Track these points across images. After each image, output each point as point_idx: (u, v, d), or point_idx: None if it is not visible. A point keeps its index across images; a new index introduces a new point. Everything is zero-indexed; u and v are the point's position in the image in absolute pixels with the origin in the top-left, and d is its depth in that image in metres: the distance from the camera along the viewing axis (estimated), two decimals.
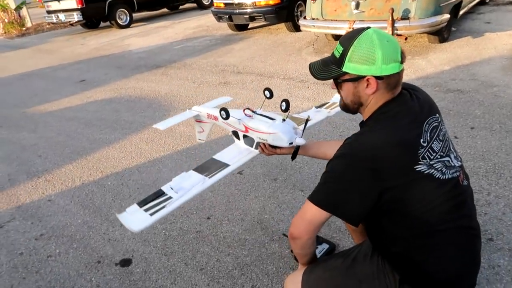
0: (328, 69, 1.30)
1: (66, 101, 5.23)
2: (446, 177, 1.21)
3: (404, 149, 1.18)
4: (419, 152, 1.18)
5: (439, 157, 1.21)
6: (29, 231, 2.58)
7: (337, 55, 1.26)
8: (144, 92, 5.14)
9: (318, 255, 1.90)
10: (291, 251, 2.01)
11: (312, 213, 1.23)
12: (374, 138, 1.20)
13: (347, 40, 1.24)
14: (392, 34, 4.72)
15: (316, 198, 1.23)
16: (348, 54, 1.22)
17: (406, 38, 5.47)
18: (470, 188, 1.34)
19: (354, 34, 1.23)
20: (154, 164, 3.26)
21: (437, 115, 1.29)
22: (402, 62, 1.22)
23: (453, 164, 1.24)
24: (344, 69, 1.25)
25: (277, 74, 5.02)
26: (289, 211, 2.39)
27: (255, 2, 6.90)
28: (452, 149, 1.29)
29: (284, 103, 1.68)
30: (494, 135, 2.89)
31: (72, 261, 2.27)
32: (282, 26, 7.51)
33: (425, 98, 1.32)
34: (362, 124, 1.36)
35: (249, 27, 8.18)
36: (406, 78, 4.21)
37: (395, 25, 4.68)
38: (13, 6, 12.76)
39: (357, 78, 1.24)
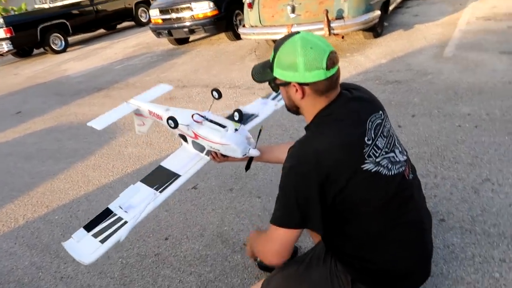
0: (264, 72, 1.31)
1: (2, 136, 4.88)
2: (392, 173, 1.22)
3: (349, 150, 1.18)
4: (364, 151, 1.18)
5: (384, 153, 1.22)
6: None
7: (270, 59, 1.28)
8: (86, 117, 4.90)
9: None
10: (255, 259, 1.97)
11: (281, 236, 1.21)
12: (317, 143, 1.19)
13: (277, 46, 1.25)
14: (329, 34, 4.86)
15: (280, 220, 1.21)
16: (275, 60, 1.24)
17: (343, 37, 5.66)
18: (417, 180, 1.37)
19: (283, 40, 1.24)
20: (103, 190, 3.10)
21: (380, 112, 1.29)
22: (329, 68, 1.17)
23: (398, 159, 1.26)
24: (274, 74, 1.26)
25: (223, 84, 5.00)
26: (248, 220, 2.35)
27: (193, 15, 6.86)
28: (397, 144, 1.30)
29: (237, 113, 1.63)
30: (434, 120, 3.04)
31: None
32: (223, 35, 7.51)
33: (366, 96, 1.33)
34: (306, 127, 1.34)
35: (190, 40, 8.11)
36: (347, 74, 4.36)
37: (331, 25, 4.83)
38: None
39: (285, 84, 1.24)
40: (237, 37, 6.89)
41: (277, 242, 1.23)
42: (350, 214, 1.20)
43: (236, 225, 2.33)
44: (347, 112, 1.24)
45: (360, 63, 4.66)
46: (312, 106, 1.25)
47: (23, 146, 4.39)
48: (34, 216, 2.93)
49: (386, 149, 1.23)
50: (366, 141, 1.19)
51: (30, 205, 3.11)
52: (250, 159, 1.62)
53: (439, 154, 2.59)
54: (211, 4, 6.70)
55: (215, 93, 1.71)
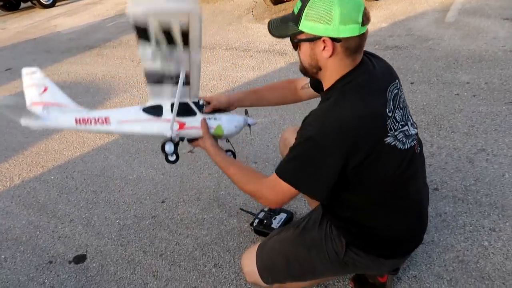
0: (286, 27, 1.20)
1: None
2: (406, 147, 1.21)
3: (374, 121, 1.14)
4: (387, 123, 1.15)
5: (400, 126, 1.19)
6: None
7: (296, 11, 1.16)
8: (79, 76, 4.81)
9: (277, 225, 1.92)
10: (251, 224, 2.00)
11: (285, 190, 1.20)
12: (339, 113, 1.12)
13: None
14: None
15: (289, 178, 1.18)
16: (305, 10, 1.11)
17: None
18: (423, 155, 1.36)
19: None
20: (99, 152, 3.09)
21: (397, 81, 1.25)
22: (364, 24, 1.10)
23: (410, 133, 1.24)
24: (300, 28, 1.14)
25: (219, 45, 4.88)
26: (272, 166, 2.36)
27: None
28: (409, 117, 1.27)
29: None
30: (433, 88, 3.01)
31: (20, 265, 2.12)
32: None
33: (384, 64, 1.29)
34: (322, 92, 1.26)
35: None
36: None
37: None
38: None
39: (314, 39, 1.13)
40: None
41: (279, 193, 1.22)
42: (359, 185, 1.20)
43: (233, 190, 2.35)
44: (370, 79, 1.18)
45: None
46: (337, 68, 1.16)
47: (14, 105, 4.31)
48: (30, 176, 2.93)
49: (402, 122, 1.21)
50: (388, 113, 1.16)
51: (25, 164, 3.10)
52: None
53: (436, 123, 2.59)
54: None
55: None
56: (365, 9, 1.11)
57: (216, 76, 4.01)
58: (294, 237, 1.41)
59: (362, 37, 1.13)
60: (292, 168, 1.18)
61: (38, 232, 2.34)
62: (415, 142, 1.27)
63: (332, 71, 1.18)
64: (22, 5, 10.87)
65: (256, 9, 6.08)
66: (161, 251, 2.03)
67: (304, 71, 1.26)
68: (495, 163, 2.15)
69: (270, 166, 2.44)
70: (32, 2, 10.09)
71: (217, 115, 1.52)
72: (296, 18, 1.15)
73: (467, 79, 3.04)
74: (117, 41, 5.95)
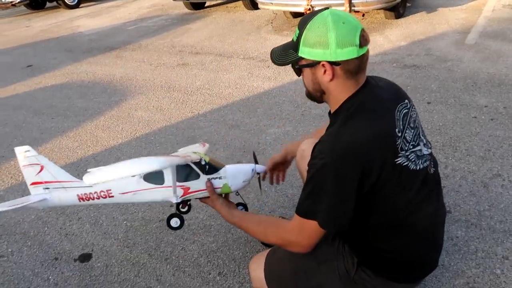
0: (286, 54, 1.23)
1: (12, 88, 4.88)
2: (418, 168, 1.19)
3: (383, 142, 1.13)
4: (397, 143, 1.14)
5: (411, 147, 1.18)
6: None
7: (294, 39, 1.19)
8: (97, 76, 4.88)
9: None
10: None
11: (311, 227, 1.17)
12: (349, 137, 1.12)
13: (302, 23, 1.16)
14: (350, 10, 4.71)
15: (317, 218, 1.14)
16: (302, 37, 1.15)
17: (363, 15, 5.49)
18: (438, 175, 1.34)
19: (310, 16, 1.16)
20: (111, 152, 3.11)
21: (406, 101, 1.24)
22: (362, 45, 1.11)
23: (423, 153, 1.22)
24: (299, 54, 1.18)
25: (237, 54, 4.91)
26: (254, 194, 2.35)
27: None
28: (421, 137, 1.26)
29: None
30: (450, 109, 2.98)
31: (26, 260, 2.14)
32: (239, 3, 7.33)
33: (391, 85, 1.29)
34: (330, 114, 1.27)
35: (205, 5, 7.93)
36: None
37: (352, 1, 4.68)
38: None
39: (313, 64, 1.16)
40: (255, 6, 6.72)
41: (306, 235, 1.19)
42: (372, 207, 1.18)
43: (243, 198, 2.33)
44: (376, 100, 1.18)
45: (378, 44, 4.55)
46: (340, 91, 1.18)
47: (33, 101, 4.39)
48: None
49: (413, 142, 1.19)
50: (397, 133, 1.15)
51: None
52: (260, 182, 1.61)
53: (451, 145, 2.55)
54: None
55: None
56: (362, 30, 1.12)
57: (232, 84, 4.03)
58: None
59: (361, 59, 1.13)
60: (311, 204, 1.16)
61: (46, 228, 2.36)
62: (428, 162, 1.24)
63: (336, 94, 1.19)
64: (48, 4, 11.11)
65: (276, 21, 6.12)
66: (167, 255, 2.02)
67: (310, 95, 1.28)
68: (511, 189, 2.10)
69: None
70: (57, 2, 10.32)
71: (221, 172, 1.48)
72: (295, 45, 1.18)
73: (485, 103, 3.00)
74: (136, 44, 6.04)
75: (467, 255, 1.76)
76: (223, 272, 1.88)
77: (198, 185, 1.47)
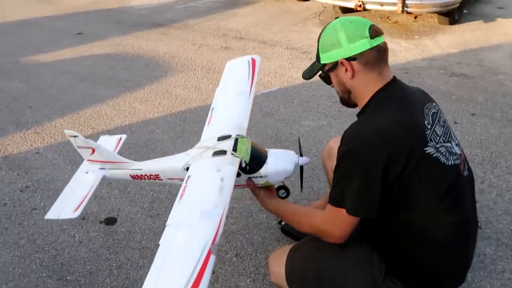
0: (312, 67, 1.33)
1: (61, 53, 5.07)
2: (450, 163, 1.17)
3: (411, 128, 1.13)
4: (426, 133, 1.14)
5: (442, 141, 1.17)
6: (14, 182, 2.54)
7: (316, 52, 1.30)
8: (142, 50, 4.99)
9: None
10: (279, 222, 1.98)
11: (341, 217, 1.17)
12: (377, 122, 1.15)
13: (318, 37, 1.29)
14: (402, 11, 4.57)
15: (346, 205, 1.15)
16: (320, 47, 1.27)
17: (416, 17, 5.30)
18: (472, 179, 1.30)
19: (322, 29, 1.28)
20: (147, 124, 3.19)
21: (434, 104, 1.27)
22: (373, 37, 1.17)
23: (455, 151, 1.20)
24: (322, 62, 1.27)
25: (280, 43, 4.88)
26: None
27: None
28: (453, 137, 1.25)
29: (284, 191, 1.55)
30: (495, 124, 2.84)
31: None
32: None
33: (418, 88, 1.33)
34: (360, 112, 1.29)
35: None
36: (411, 57, 4.13)
37: (406, 1, 4.52)
38: None
39: (334, 66, 1.24)
40: None
41: (337, 225, 1.19)
42: (402, 202, 1.15)
43: None
44: (404, 94, 1.21)
45: (427, 48, 4.39)
46: (365, 86, 1.21)
47: (80, 67, 4.55)
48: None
49: (444, 138, 1.19)
50: (426, 125, 1.15)
51: (77, 123, 3.26)
52: (301, 176, 1.55)
53: (491, 160, 2.44)
54: None
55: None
56: (372, 25, 1.18)
57: (272, 72, 4.01)
58: (331, 251, 1.34)
59: (378, 50, 1.18)
60: (340, 192, 1.16)
61: None
62: (460, 161, 1.21)
63: (361, 90, 1.23)
64: None
65: (324, 14, 6.02)
66: None
67: (342, 100, 1.35)
68: None
69: (309, 169, 2.40)
70: None
71: (262, 172, 1.45)
72: (317, 56, 1.30)
73: None
74: (183, 23, 6.11)
75: (493, 274, 1.69)
76: (240, 254, 1.90)
77: (239, 181, 1.45)
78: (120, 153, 2.93)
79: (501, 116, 2.94)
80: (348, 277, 1.30)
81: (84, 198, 1.57)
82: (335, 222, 1.20)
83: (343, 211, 1.15)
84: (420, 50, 4.36)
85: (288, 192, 1.56)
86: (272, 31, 5.42)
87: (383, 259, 1.26)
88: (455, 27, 5.02)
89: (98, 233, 2.09)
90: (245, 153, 1.43)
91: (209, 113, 1.75)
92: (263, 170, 1.44)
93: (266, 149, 1.52)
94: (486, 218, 1.99)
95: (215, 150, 1.46)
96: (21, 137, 3.09)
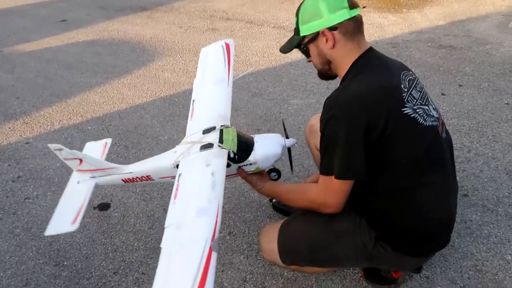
0: (291, 41, 1.35)
1: (46, 41, 4.99)
2: (428, 124, 1.21)
3: (389, 92, 1.18)
4: (403, 95, 1.18)
5: (419, 104, 1.21)
6: (5, 173, 2.54)
7: (295, 25, 1.31)
8: (128, 35, 4.92)
9: None
10: (270, 200, 2.02)
11: (334, 186, 1.20)
12: (356, 87, 1.19)
13: (297, 10, 1.30)
14: None
15: (329, 168, 1.18)
16: (299, 19, 1.28)
17: None
18: (450, 141, 1.34)
19: (301, 3, 1.30)
20: (136, 110, 3.18)
21: (411, 72, 1.31)
22: (351, 7, 1.21)
23: (432, 114, 1.25)
24: (301, 34, 1.28)
25: (268, 22, 4.83)
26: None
27: None
28: (430, 101, 1.29)
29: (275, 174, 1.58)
30: (481, 93, 2.87)
31: (50, 203, 2.25)
32: None
33: (393, 59, 1.36)
34: (341, 81, 1.32)
35: None
36: (399, 31, 4.12)
37: None
38: None
39: (315, 37, 1.26)
40: None
41: (330, 193, 1.22)
42: (385, 164, 1.19)
43: None
44: (381, 62, 1.26)
45: (415, 21, 4.37)
46: (345, 55, 1.25)
47: (65, 55, 4.49)
48: (69, 123, 3.06)
49: (421, 101, 1.23)
50: (403, 88, 1.20)
51: (66, 112, 3.24)
52: (290, 157, 1.55)
53: (478, 130, 2.47)
54: None
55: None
56: None
57: (260, 52, 3.99)
58: (322, 223, 1.37)
59: (355, 20, 1.23)
60: (328, 160, 1.19)
61: (69, 176, 2.46)
62: (437, 123, 1.25)
63: (342, 60, 1.26)
64: None
65: None
66: None
67: (321, 73, 1.37)
68: None
69: (299, 147, 2.43)
70: None
71: (251, 159, 1.44)
72: (296, 30, 1.31)
73: None
74: (169, 6, 6.02)
75: (479, 239, 1.74)
76: (233, 232, 1.93)
77: (230, 171, 1.46)
78: (110, 137, 2.93)
79: (487, 85, 2.97)
80: (339, 246, 1.34)
81: (80, 209, 1.54)
82: (329, 192, 1.22)
83: (334, 178, 1.18)
84: (408, 23, 4.34)
85: (279, 174, 1.59)
86: (259, 10, 5.36)
87: (372, 226, 1.30)
88: None
89: (92, 218, 2.11)
90: (231, 143, 1.43)
91: (190, 105, 1.72)
92: (252, 158, 1.45)
93: (251, 136, 1.52)
94: (473, 186, 2.03)
95: (202, 144, 1.45)
96: (10, 128, 3.07)
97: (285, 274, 1.68)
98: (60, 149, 1.56)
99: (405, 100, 1.18)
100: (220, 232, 1.93)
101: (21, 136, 2.95)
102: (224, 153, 1.40)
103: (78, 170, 1.67)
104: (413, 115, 1.18)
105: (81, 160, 1.61)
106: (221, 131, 1.48)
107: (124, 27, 5.25)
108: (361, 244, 1.31)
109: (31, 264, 1.89)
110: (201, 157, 1.40)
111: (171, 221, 1.19)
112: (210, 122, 1.55)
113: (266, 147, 1.46)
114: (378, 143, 1.15)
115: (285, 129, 1.58)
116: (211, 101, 1.71)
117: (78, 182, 1.67)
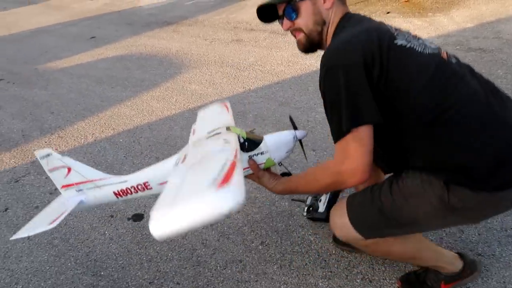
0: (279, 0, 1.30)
1: (77, 58, 5.18)
2: (428, 52, 1.17)
3: (378, 30, 1.18)
4: (391, 31, 1.20)
5: (411, 39, 1.20)
6: (43, 186, 2.63)
7: None
8: (155, 49, 5.05)
9: (323, 207, 1.72)
10: (307, 211, 1.93)
11: (351, 146, 1.11)
12: (343, 36, 1.21)
13: None
14: None
15: (345, 127, 1.10)
16: None
17: None
18: (467, 65, 1.24)
19: None
20: (165, 122, 3.25)
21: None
22: None
23: (429, 46, 1.20)
24: None
25: None
26: (301, 169, 2.37)
27: None
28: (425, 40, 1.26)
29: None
30: None
31: (86, 215, 2.32)
32: None
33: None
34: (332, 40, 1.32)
35: None
36: (426, 36, 4.05)
37: None
38: None
39: None
40: None
41: (351, 157, 1.11)
42: (397, 104, 1.14)
43: None
44: (365, 18, 1.30)
45: (442, 25, 4.30)
46: (335, 17, 1.28)
47: (95, 70, 4.65)
48: (102, 136, 3.16)
49: (413, 37, 1.22)
50: (390, 29, 1.21)
51: (98, 125, 3.34)
52: (302, 147, 1.50)
53: None
54: None
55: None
56: None
57: (285, 62, 4.01)
58: (387, 187, 1.25)
59: None
60: (337, 119, 1.12)
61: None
62: (438, 51, 1.20)
63: (334, 21, 1.29)
64: None
65: None
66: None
67: (308, 40, 1.32)
68: None
69: (329, 155, 2.42)
70: None
71: (263, 147, 1.37)
72: None
73: None
74: (193, 19, 6.15)
75: None
76: (265, 242, 1.93)
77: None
78: (142, 149, 2.97)
79: None
80: (413, 207, 1.20)
81: (60, 216, 1.35)
82: (349, 154, 1.12)
83: (348, 136, 1.11)
84: (434, 27, 4.28)
85: (290, 175, 1.48)
86: None
87: (434, 174, 1.17)
88: (470, 1, 4.89)
89: (126, 229, 2.16)
90: (240, 131, 1.34)
91: (192, 129, 1.62)
92: (263, 145, 1.37)
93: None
94: None
95: (209, 135, 1.35)
96: (46, 142, 3.19)
97: (320, 284, 1.66)
98: (48, 155, 1.42)
99: (395, 34, 1.17)
100: (252, 242, 1.94)
101: (56, 149, 3.06)
102: (234, 135, 1.31)
103: (63, 187, 1.46)
104: (408, 45, 1.15)
105: (69, 169, 1.42)
106: (227, 128, 1.40)
107: (151, 41, 5.40)
108: (437, 199, 1.16)
109: (69, 274, 1.95)
110: (210, 142, 1.31)
111: (179, 171, 1.13)
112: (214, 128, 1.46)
113: (277, 136, 1.41)
114: (382, 80, 1.11)
115: (293, 123, 1.49)
116: (213, 121, 1.60)
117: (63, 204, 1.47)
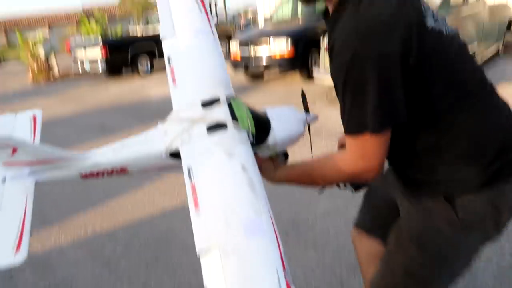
0: None
1: (84, 147, 5.33)
2: (450, 34, 1.04)
3: (408, 7, 0.96)
4: (422, 10, 1.00)
5: (437, 18, 1.04)
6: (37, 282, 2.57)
7: None
8: None
9: None
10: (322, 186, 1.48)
11: (376, 142, 0.97)
12: (376, 10, 0.93)
13: None
14: None
15: (369, 126, 0.94)
16: None
17: None
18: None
19: None
20: (166, 214, 3.26)
21: None
22: None
23: (447, 25, 1.08)
24: None
25: None
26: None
27: (270, 55, 7.11)
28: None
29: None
30: None
31: None
32: (296, 75, 7.68)
33: None
34: (330, 15, 1.07)
35: (264, 77, 8.39)
36: None
37: None
38: (42, 54, 13.22)
39: None
40: (311, 77, 7.01)
41: (374, 153, 0.98)
42: (421, 95, 0.98)
43: None
44: None
45: None
46: None
47: None
48: (101, 229, 3.16)
49: (437, 19, 1.05)
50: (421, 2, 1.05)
51: (99, 216, 3.36)
52: (310, 136, 1.31)
53: None
54: (289, 41, 6.86)
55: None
56: None
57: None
58: (395, 248, 1.17)
59: None
60: (358, 112, 0.94)
61: None
62: (456, 31, 1.08)
63: None
64: (124, 71, 12.24)
65: (331, 93, 6.30)
66: None
67: None
68: None
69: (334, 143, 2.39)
70: (132, 70, 11.48)
71: (270, 140, 1.14)
72: None
73: None
74: None
75: None
76: None
77: None
78: (140, 246, 2.94)
79: None
80: (430, 242, 1.09)
81: (22, 227, 1.00)
82: (368, 154, 0.99)
83: (369, 135, 0.96)
84: None
85: (287, 156, 1.27)
86: None
87: (430, 192, 1.08)
88: None
89: None
90: (247, 121, 1.08)
91: (167, 65, 1.27)
92: (271, 139, 1.13)
93: (261, 110, 1.20)
94: None
95: (209, 124, 1.06)
96: (46, 235, 3.18)
97: None
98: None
99: (423, 14, 0.98)
100: None
101: (55, 242, 3.04)
102: (245, 137, 1.06)
103: (7, 163, 1.09)
104: (436, 28, 0.99)
105: (14, 149, 1.06)
106: (230, 105, 1.11)
107: None
108: (445, 223, 1.05)
109: None
110: (216, 144, 1.03)
111: (206, 241, 0.82)
112: (207, 91, 1.16)
113: (286, 126, 1.17)
114: (415, 69, 0.93)
115: (305, 101, 1.28)
116: (198, 60, 1.26)
117: (3, 181, 1.09)
